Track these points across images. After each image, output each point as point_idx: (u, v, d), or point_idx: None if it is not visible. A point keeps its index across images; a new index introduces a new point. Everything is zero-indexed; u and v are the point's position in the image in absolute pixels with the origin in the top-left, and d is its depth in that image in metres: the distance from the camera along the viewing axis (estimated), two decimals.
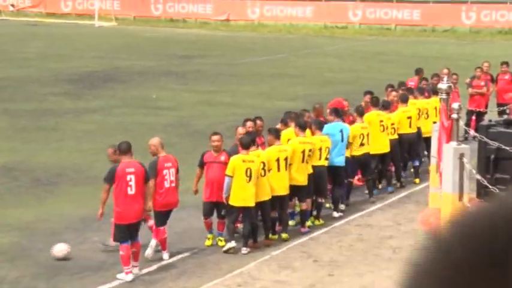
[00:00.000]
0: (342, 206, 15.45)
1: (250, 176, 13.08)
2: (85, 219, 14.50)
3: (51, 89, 29.21)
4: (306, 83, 31.49)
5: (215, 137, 13.52)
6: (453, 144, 9.77)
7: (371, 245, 13.41)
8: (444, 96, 10.41)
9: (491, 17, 52.21)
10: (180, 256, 13.02)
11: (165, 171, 12.79)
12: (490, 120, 11.91)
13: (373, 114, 16.78)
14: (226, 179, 13.14)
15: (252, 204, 13.22)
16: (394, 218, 14.89)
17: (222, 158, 13.36)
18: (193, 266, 12.64)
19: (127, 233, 12.09)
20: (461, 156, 9.65)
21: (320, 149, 14.50)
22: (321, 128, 14.84)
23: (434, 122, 16.39)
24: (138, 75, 32.97)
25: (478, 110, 21.23)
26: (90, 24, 56.39)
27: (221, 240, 13.45)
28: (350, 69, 35.55)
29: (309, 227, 14.41)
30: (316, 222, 14.73)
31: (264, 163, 13.38)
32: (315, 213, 14.82)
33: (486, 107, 21.78)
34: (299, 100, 26.46)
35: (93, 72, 33.67)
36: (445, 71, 21.26)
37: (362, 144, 15.92)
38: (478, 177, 10.28)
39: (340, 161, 15.15)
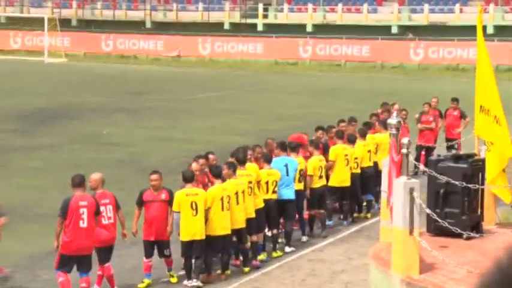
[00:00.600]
0: (304, 238, 15.65)
1: (197, 209, 13.04)
2: (34, 257, 14.29)
3: (0, 125, 28.88)
4: (257, 118, 31.61)
5: (154, 176, 13.35)
6: (403, 178, 9.85)
7: (323, 280, 13.41)
8: (394, 131, 10.52)
9: (439, 53, 53.07)
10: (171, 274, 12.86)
11: (102, 208, 12.69)
12: (439, 155, 12.05)
13: (339, 148, 16.89)
14: (174, 216, 13.11)
15: (201, 237, 13.16)
16: (346, 253, 14.93)
17: (163, 196, 13.21)
18: None
19: (69, 263, 12.04)
20: (411, 190, 9.73)
21: (267, 183, 14.56)
22: (268, 162, 14.86)
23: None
24: (89, 111, 32.79)
25: (427, 145, 21.49)
26: (40, 60, 56.03)
27: (173, 276, 13.30)
28: (301, 104, 35.78)
29: (261, 261, 14.38)
30: (274, 254, 14.74)
31: (229, 196, 13.42)
32: (271, 245, 14.82)
33: (435, 142, 22.06)
34: (250, 135, 26.51)
35: (42, 108, 33.39)
36: (396, 106, 21.50)
37: (321, 177, 16.02)
38: (428, 211, 10.37)
39: (287, 194, 15.10)
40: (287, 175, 15.11)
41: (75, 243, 11.99)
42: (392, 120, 10.56)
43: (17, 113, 32.01)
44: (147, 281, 13.17)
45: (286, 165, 15.17)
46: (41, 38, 59.05)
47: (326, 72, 51.54)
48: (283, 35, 56.49)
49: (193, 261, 13.37)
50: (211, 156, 14.60)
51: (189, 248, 13.17)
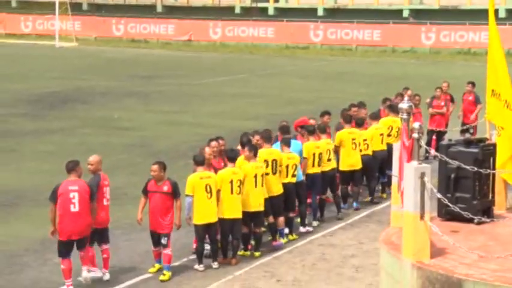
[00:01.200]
0: (315, 223, 15.66)
1: (211, 192, 13.11)
2: (45, 241, 14.34)
3: (11, 110, 28.97)
4: (268, 102, 31.58)
5: (154, 167, 13.00)
6: (414, 163, 9.84)
7: (334, 264, 13.44)
8: (405, 116, 10.49)
9: (451, 37, 52.85)
10: (141, 277, 12.92)
11: (105, 189, 12.76)
12: (450, 140, 12.02)
13: (345, 133, 16.87)
14: (187, 199, 13.11)
15: (215, 220, 13.22)
16: (356, 237, 14.95)
17: (165, 188, 12.88)
18: (155, 287, 12.55)
19: (69, 248, 12.12)
20: (422, 175, 9.72)
21: (287, 166, 14.58)
22: (288, 145, 14.88)
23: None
24: (100, 95, 32.83)
25: (438, 129, 21.42)
26: (51, 44, 56.08)
27: (164, 275, 12.82)
28: (311, 88, 35.73)
29: (282, 241, 14.48)
30: (290, 237, 14.86)
31: (240, 180, 13.43)
32: (287, 230, 14.92)
33: (446, 126, 21.97)
34: (261, 119, 26.51)
35: (53, 92, 33.46)
36: (409, 92, 21.43)
37: (329, 160, 15.96)
38: (439, 196, 10.36)
39: (300, 176, 15.15)
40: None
41: (68, 228, 12.03)
42: (404, 105, 10.53)
43: (28, 97, 32.09)
44: (157, 265, 13.17)
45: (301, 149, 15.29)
46: (52, 21, 59.09)
47: (337, 56, 51.44)
48: (294, 19, 56.34)
49: (206, 245, 13.43)
50: (220, 142, 14.57)
51: (203, 231, 13.19)
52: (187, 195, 13.12)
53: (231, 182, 13.39)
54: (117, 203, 16.80)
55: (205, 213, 13.14)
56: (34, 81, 36.98)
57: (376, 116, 18.07)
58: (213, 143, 14.27)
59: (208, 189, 13.08)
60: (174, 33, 58.71)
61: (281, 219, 14.54)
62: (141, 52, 53.28)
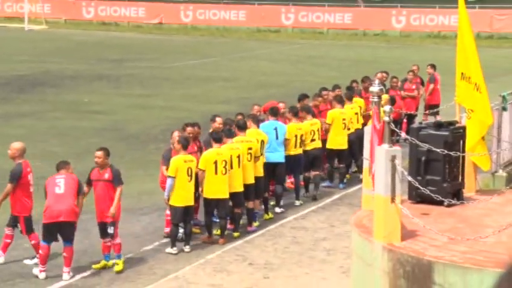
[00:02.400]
0: (297, 202, 16.03)
1: (191, 176, 13.25)
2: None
3: None
4: (239, 86, 31.56)
5: (98, 153, 12.60)
6: (385, 146, 9.88)
7: (305, 247, 13.50)
8: (376, 99, 10.52)
9: (421, 21, 53.05)
10: (114, 261, 12.89)
11: (29, 176, 12.75)
12: (421, 123, 12.09)
13: (337, 112, 17.34)
14: (169, 180, 13.24)
15: (192, 203, 13.41)
16: (328, 220, 15.02)
17: (106, 175, 12.48)
18: (127, 271, 12.55)
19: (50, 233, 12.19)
20: (393, 158, 9.76)
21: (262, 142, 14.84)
22: (257, 124, 15.21)
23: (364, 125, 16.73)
24: (70, 79, 32.62)
25: (408, 112, 21.55)
26: (20, 27, 55.54)
27: (117, 264, 12.52)
28: (283, 72, 35.74)
29: (256, 226, 14.61)
30: (266, 217, 15.09)
31: (225, 161, 13.61)
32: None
33: (417, 109, 22.12)
34: (232, 103, 26.49)
35: (22, 76, 33.18)
36: (379, 75, 21.52)
37: (313, 140, 16.33)
38: (410, 179, 10.42)
39: (277, 157, 15.44)
40: (276, 139, 15.42)
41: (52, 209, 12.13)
42: (374, 88, 10.56)
43: None
44: (103, 262, 12.64)
45: (275, 129, 15.50)
46: (21, 4, 58.49)
47: (308, 39, 51.45)
48: (265, 2, 56.25)
49: (181, 230, 13.48)
50: (196, 128, 14.56)
51: (180, 214, 13.28)
52: (169, 176, 13.23)
53: (215, 162, 13.54)
54: None
55: (184, 196, 13.29)
56: (3, 64, 36.63)
57: (350, 97, 18.23)
58: (189, 129, 14.32)
59: (190, 173, 13.23)
60: (145, 16, 58.37)
61: (257, 202, 14.73)
62: (111, 35, 52.93)
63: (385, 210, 9.69)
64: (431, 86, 22.27)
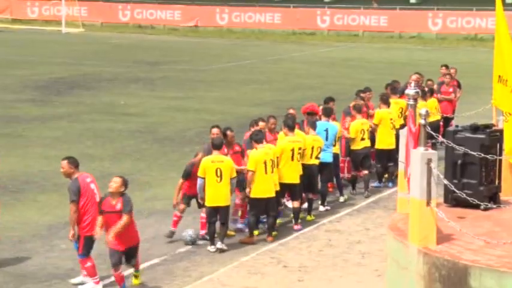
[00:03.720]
0: (342, 198, 16.46)
1: (221, 176, 13.28)
2: (52, 227, 14.41)
3: (18, 95, 29.00)
4: (274, 88, 31.55)
5: (115, 179, 11.62)
6: (421, 149, 9.82)
7: (340, 251, 13.46)
8: (412, 102, 10.45)
9: (457, 23, 52.67)
10: (148, 263, 12.96)
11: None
12: (457, 126, 11.99)
13: (384, 112, 17.62)
14: (199, 181, 13.43)
15: (224, 203, 13.47)
16: (363, 223, 14.96)
17: (118, 206, 11.49)
18: (162, 273, 12.59)
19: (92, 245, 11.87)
20: (429, 161, 9.69)
21: (312, 148, 15.03)
22: (314, 128, 15.41)
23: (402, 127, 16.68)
24: (106, 81, 32.83)
25: (445, 115, 21.36)
26: (57, 30, 56.05)
27: (136, 276, 12.14)
28: (318, 74, 35.68)
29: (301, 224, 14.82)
30: (308, 218, 15.22)
31: (272, 160, 13.87)
32: (306, 207, 15.39)
33: (453, 112, 21.94)
34: (267, 106, 26.48)
35: (60, 78, 33.47)
36: (414, 77, 21.39)
37: (363, 139, 16.87)
38: (446, 182, 10.34)
39: (325, 157, 15.67)
40: (326, 139, 15.75)
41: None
42: (410, 91, 10.50)
43: (34, 83, 32.10)
44: None
45: (326, 130, 15.85)
46: (58, 7, 59.03)
47: (343, 42, 51.33)
48: (300, 5, 56.18)
49: (217, 225, 13.61)
50: (229, 133, 14.60)
51: (213, 214, 13.43)
52: (198, 177, 13.42)
53: (264, 162, 13.79)
54: None
55: (213, 196, 13.37)
56: (41, 66, 36.99)
57: (385, 101, 18.19)
58: (214, 130, 14.26)
59: (219, 173, 13.29)
60: (181, 19, 58.60)
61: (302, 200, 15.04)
62: (147, 38, 53.22)
63: (421, 214, 9.63)
64: (451, 89, 21.96)
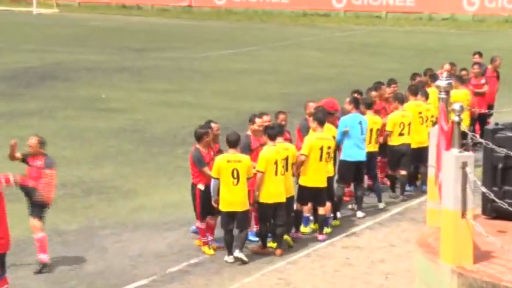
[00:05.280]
0: (381, 205, 16.61)
1: (238, 178, 13.45)
2: (20, 242, 14.38)
3: None
4: (282, 80, 31.53)
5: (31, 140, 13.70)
6: (454, 151, 9.79)
7: (360, 270, 13.44)
8: (443, 95, 10.44)
9: (498, 3, 52.61)
10: (134, 285, 12.95)
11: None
12: (497, 124, 11.95)
13: (412, 105, 17.69)
14: (212, 181, 13.58)
15: (241, 208, 13.62)
16: (386, 238, 14.93)
17: (38, 162, 13.51)
18: None
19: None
20: (464, 165, 9.68)
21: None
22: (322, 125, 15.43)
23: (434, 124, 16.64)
24: (85, 72, 32.84)
25: (481, 111, 21.26)
26: (27, 11, 56.12)
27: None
28: (333, 63, 35.64)
29: (327, 233, 14.95)
30: (334, 223, 15.50)
31: (284, 160, 13.94)
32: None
33: (489, 108, 21.81)
34: (273, 100, 26.46)
35: (30, 68, 33.49)
36: (447, 66, 21.36)
37: (401, 134, 17.13)
38: (484, 190, 10.32)
39: (360, 155, 15.93)
40: (361, 134, 15.95)
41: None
42: (442, 82, 10.49)
43: (1, 73, 32.12)
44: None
45: (360, 123, 16.00)
46: None
47: (363, 25, 51.31)
48: None
49: (236, 233, 13.77)
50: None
51: (229, 220, 13.60)
52: (212, 177, 13.59)
53: (276, 162, 13.84)
54: (105, 198, 16.90)
55: (229, 200, 13.55)
56: (8, 54, 37.01)
57: (414, 92, 18.18)
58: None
59: (235, 175, 13.44)
60: None
61: (328, 206, 15.04)
62: (132, 20, 53.27)
63: (455, 227, 9.62)
64: (483, 80, 21.91)
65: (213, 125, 14.43)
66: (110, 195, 17.00)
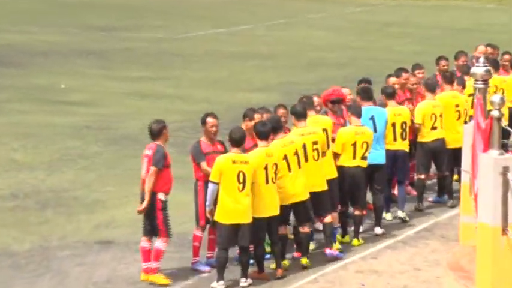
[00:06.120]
0: (401, 213, 16.66)
1: (244, 183, 13.41)
2: None
3: None
4: (282, 66, 31.52)
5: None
6: (493, 153, 9.77)
7: None
8: (480, 85, 10.43)
9: None
10: None
11: None
12: None
13: (447, 96, 17.59)
14: (211, 186, 13.50)
15: (247, 220, 13.53)
16: (411, 261, 14.92)
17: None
18: None
19: None
20: (506, 170, 9.67)
21: (354, 144, 15.25)
22: (358, 115, 15.57)
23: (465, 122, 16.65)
24: (41, 55, 32.83)
25: None
26: None
27: None
28: (345, 46, 35.66)
29: (338, 250, 14.94)
30: (355, 242, 15.45)
31: (276, 164, 13.84)
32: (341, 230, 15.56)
33: None
34: (272, 91, 26.44)
35: None
36: (482, 48, 21.36)
37: (434, 128, 17.06)
38: None
39: (375, 157, 15.86)
40: (374, 131, 15.86)
41: None
42: (478, 69, 10.47)
43: None
44: None
45: (372, 118, 16.03)
46: None
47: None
48: None
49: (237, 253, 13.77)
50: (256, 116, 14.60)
51: (229, 234, 13.48)
52: (211, 182, 13.49)
53: (266, 168, 13.71)
54: (64, 211, 16.84)
55: (232, 210, 13.45)
56: None
57: (450, 80, 18.19)
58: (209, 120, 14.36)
59: (241, 179, 13.40)
60: None
61: (335, 214, 15.06)
62: None
63: (494, 246, 9.61)
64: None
65: (210, 120, 14.40)
66: (70, 207, 16.93)
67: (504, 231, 9.63)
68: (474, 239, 10.26)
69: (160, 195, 13.65)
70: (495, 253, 9.60)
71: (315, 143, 14.56)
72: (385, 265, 14.78)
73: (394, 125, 16.48)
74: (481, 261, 9.75)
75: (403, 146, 16.65)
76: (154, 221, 13.67)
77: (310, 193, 14.42)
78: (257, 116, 14.68)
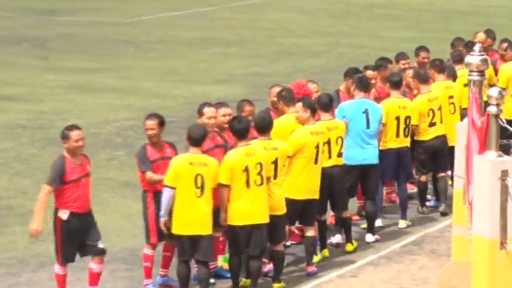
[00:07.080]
0: (403, 223, 16.95)
1: (202, 187, 13.43)
2: None
3: None
4: (248, 54, 31.55)
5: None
6: (491, 155, 9.90)
7: None
8: (475, 76, 10.56)
9: None
10: None
11: None
12: None
13: (440, 86, 17.70)
14: (166, 192, 13.47)
15: (205, 232, 13.54)
16: (396, 279, 15.02)
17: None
18: None
19: None
20: (504, 175, 9.79)
21: (328, 141, 15.28)
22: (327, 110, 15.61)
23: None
24: None
25: None
26: None
27: None
28: (321, 31, 35.72)
29: (317, 262, 15.12)
30: (349, 248, 15.78)
31: (260, 164, 13.86)
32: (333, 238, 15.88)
33: None
34: (236, 82, 26.48)
35: None
36: (481, 35, 21.52)
37: (432, 124, 17.24)
38: None
39: (367, 156, 16.04)
40: (367, 127, 15.95)
41: None
42: (473, 58, 10.60)
43: None
44: None
45: (365, 112, 16.07)
46: None
47: None
48: None
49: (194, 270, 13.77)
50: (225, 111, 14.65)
51: (187, 247, 13.49)
52: (165, 186, 13.44)
53: (246, 169, 13.75)
54: None
55: (189, 219, 13.44)
56: None
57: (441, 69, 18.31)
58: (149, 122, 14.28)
59: (199, 183, 13.40)
60: None
61: (316, 227, 15.17)
62: None
63: (491, 262, 9.70)
64: None
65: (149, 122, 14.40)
66: (3, 218, 16.93)
67: (502, 244, 9.72)
68: (468, 254, 10.36)
69: (62, 213, 13.66)
70: (492, 270, 9.70)
71: (324, 143, 14.98)
72: (367, 284, 14.88)
73: (398, 118, 16.68)
74: (477, 279, 9.85)
75: (406, 142, 16.87)
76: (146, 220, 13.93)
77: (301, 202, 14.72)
78: (208, 111, 14.50)
